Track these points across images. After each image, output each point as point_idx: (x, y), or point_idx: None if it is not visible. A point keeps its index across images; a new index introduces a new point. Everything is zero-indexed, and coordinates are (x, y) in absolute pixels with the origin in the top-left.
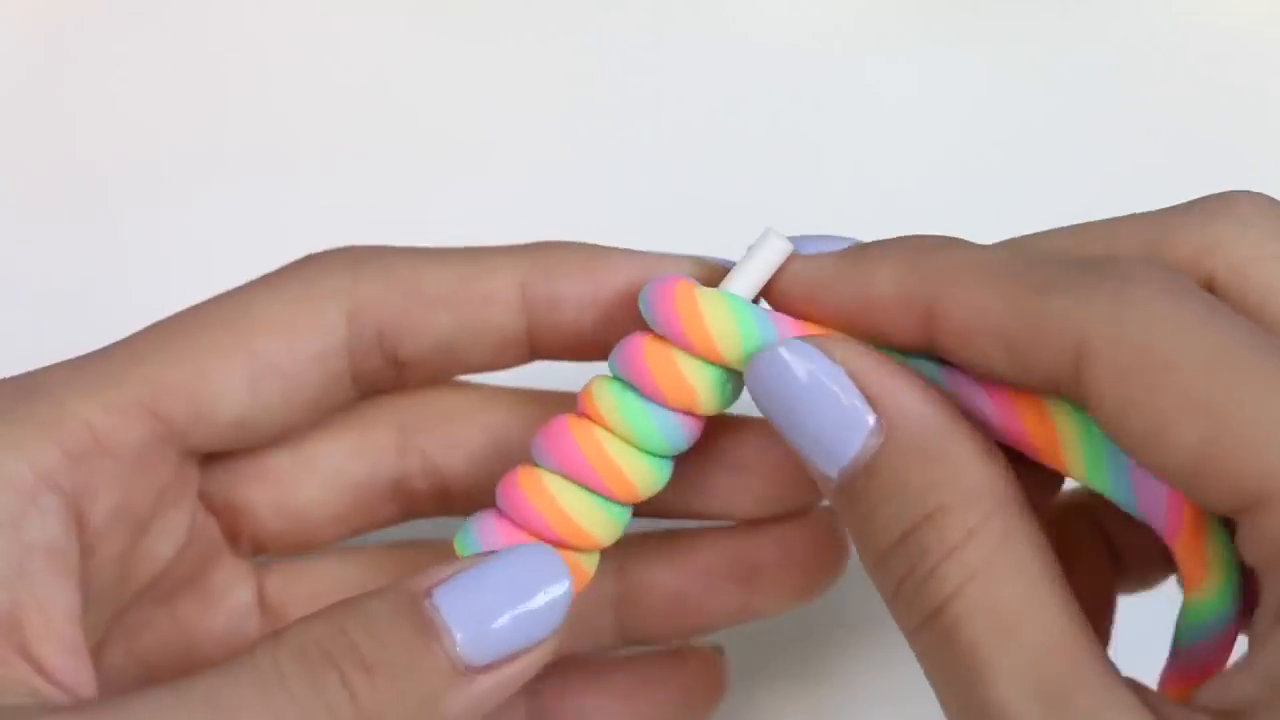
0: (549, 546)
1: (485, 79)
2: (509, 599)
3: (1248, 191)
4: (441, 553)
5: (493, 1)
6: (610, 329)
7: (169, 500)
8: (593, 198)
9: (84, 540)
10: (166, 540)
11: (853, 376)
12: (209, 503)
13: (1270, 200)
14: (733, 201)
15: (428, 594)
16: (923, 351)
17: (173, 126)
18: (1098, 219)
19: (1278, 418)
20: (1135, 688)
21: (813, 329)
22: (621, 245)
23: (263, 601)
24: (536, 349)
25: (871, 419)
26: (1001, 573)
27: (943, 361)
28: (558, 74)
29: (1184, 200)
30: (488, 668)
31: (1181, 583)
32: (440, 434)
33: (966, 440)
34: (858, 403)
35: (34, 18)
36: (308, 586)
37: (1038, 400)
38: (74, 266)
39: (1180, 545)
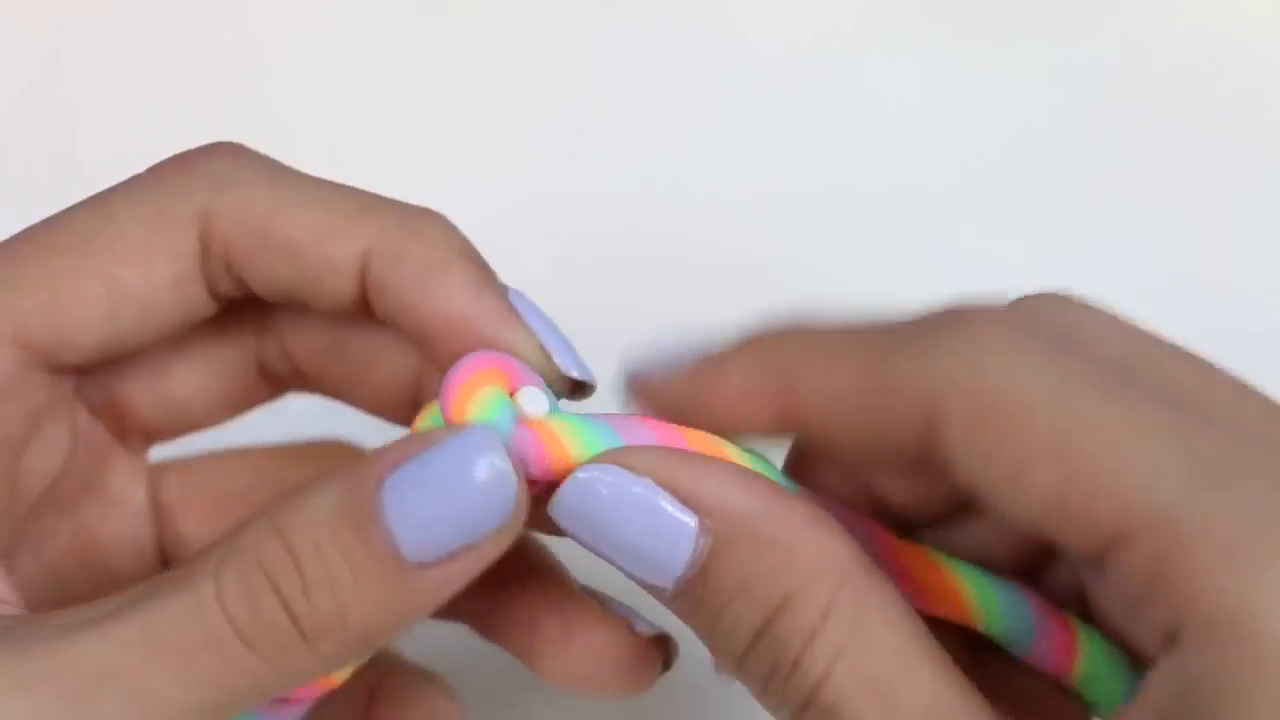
0: (493, 430)
1: (485, 80)
2: (450, 490)
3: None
4: (332, 454)
5: (492, 3)
6: (438, 336)
7: (47, 417)
8: (591, 198)
9: None
10: (49, 453)
11: (663, 482)
12: (91, 405)
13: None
14: (732, 203)
15: (377, 485)
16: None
17: (173, 126)
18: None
19: (1127, 454)
20: None
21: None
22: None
23: (156, 505)
24: (372, 313)
25: (693, 521)
26: (867, 644)
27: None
28: (557, 74)
29: (1185, 199)
30: (436, 563)
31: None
32: (291, 320)
33: (796, 518)
34: (675, 508)
35: (35, 18)
36: (199, 490)
37: (938, 565)
38: None
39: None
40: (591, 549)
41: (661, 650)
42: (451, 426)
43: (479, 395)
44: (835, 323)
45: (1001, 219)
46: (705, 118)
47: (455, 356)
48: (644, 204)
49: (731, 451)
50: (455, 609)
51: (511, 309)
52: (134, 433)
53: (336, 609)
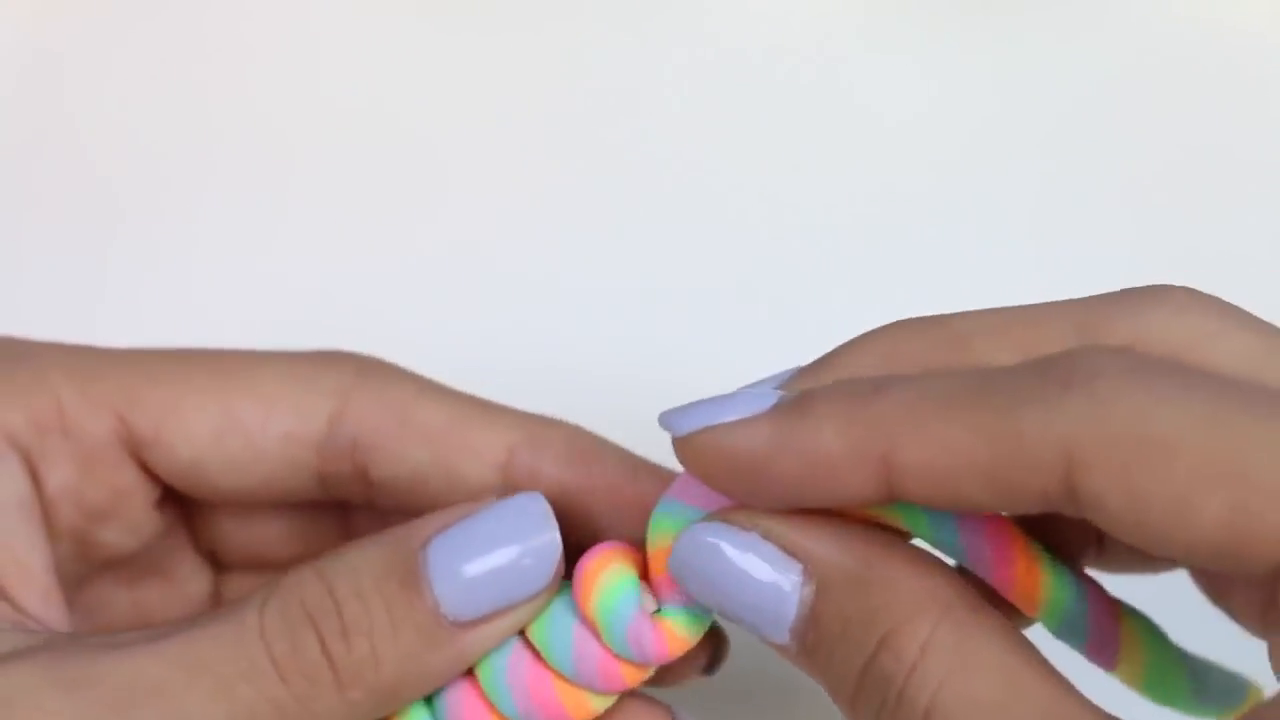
0: (540, 496)
1: (478, 88)
2: (493, 553)
3: (1180, 286)
4: None
5: (487, 8)
6: (588, 519)
7: (131, 503)
8: (587, 205)
9: (42, 503)
10: (127, 536)
11: (767, 536)
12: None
13: (1200, 293)
14: (731, 205)
15: (423, 545)
16: (883, 503)
17: (172, 126)
18: (1022, 305)
19: None
20: None
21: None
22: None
23: (218, 598)
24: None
25: (797, 571)
26: (969, 670)
27: None
28: (543, 78)
29: (1191, 204)
30: (474, 623)
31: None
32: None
33: (895, 559)
34: (780, 560)
35: (33, 21)
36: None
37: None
38: (74, 269)
39: (1016, 589)
40: (718, 611)
41: None
42: (502, 498)
43: (606, 573)
44: (929, 377)
45: (1004, 224)
46: (704, 124)
47: (620, 528)
48: (640, 212)
49: None
50: None
51: (666, 475)
52: (207, 539)
53: (371, 655)
